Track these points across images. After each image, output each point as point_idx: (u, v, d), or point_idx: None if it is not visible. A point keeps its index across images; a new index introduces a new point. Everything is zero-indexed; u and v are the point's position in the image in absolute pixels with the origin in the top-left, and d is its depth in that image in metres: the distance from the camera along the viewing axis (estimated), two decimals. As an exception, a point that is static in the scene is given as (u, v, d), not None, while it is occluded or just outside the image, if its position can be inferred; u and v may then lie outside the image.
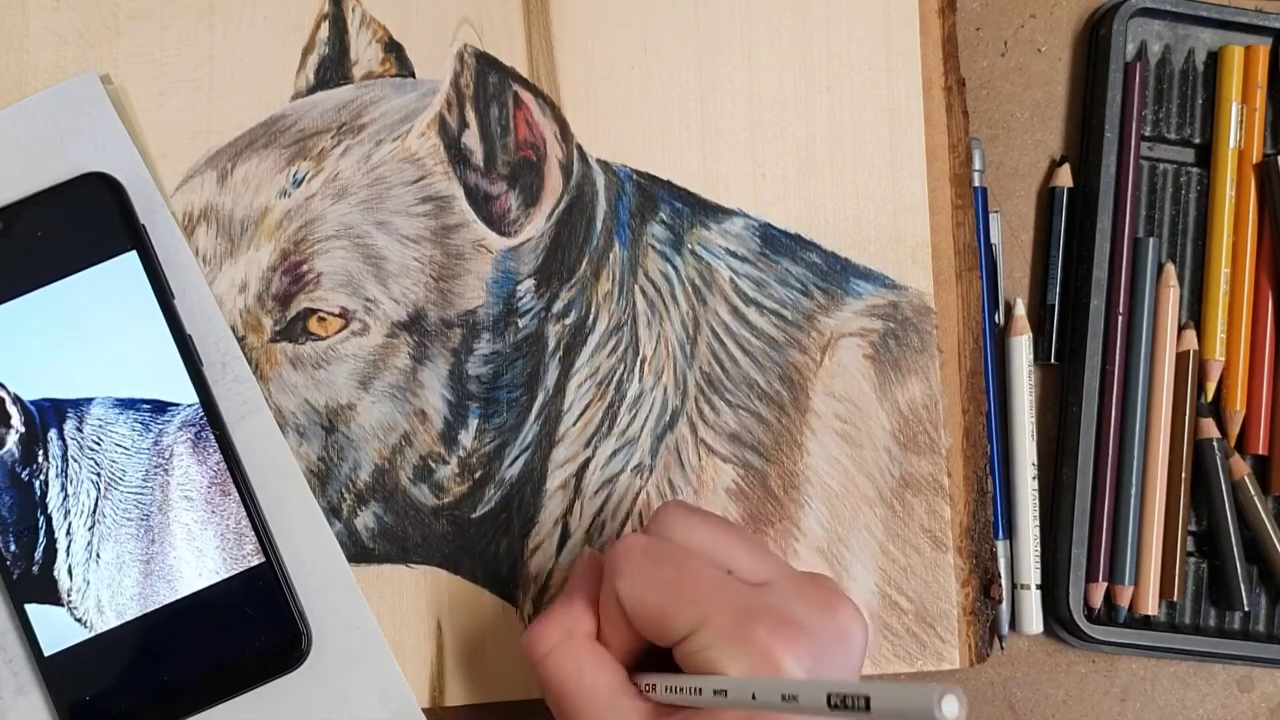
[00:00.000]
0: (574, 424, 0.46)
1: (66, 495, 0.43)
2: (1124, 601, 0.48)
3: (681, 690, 0.35)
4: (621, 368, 0.47)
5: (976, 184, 0.49)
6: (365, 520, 0.45)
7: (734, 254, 0.47)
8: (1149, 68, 0.51)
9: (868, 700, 0.28)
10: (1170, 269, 0.50)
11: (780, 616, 0.34)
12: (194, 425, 0.43)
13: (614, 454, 0.47)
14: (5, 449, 0.43)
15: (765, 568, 0.37)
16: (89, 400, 0.43)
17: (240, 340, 0.45)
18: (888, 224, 0.48)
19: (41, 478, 0.43)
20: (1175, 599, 0.48)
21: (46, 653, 0.42)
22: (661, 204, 0.47)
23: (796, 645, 0.34)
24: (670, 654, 0.36)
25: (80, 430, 0.43)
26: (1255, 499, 0.49)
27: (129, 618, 0.42)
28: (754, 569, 0.37)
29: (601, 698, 0.36)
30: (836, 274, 0.48)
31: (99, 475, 0.43)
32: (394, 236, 0.46)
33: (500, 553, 0.46)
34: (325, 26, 0.47)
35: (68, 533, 0.43)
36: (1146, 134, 0.50)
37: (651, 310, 0.47)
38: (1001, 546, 0.48)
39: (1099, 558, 0.48)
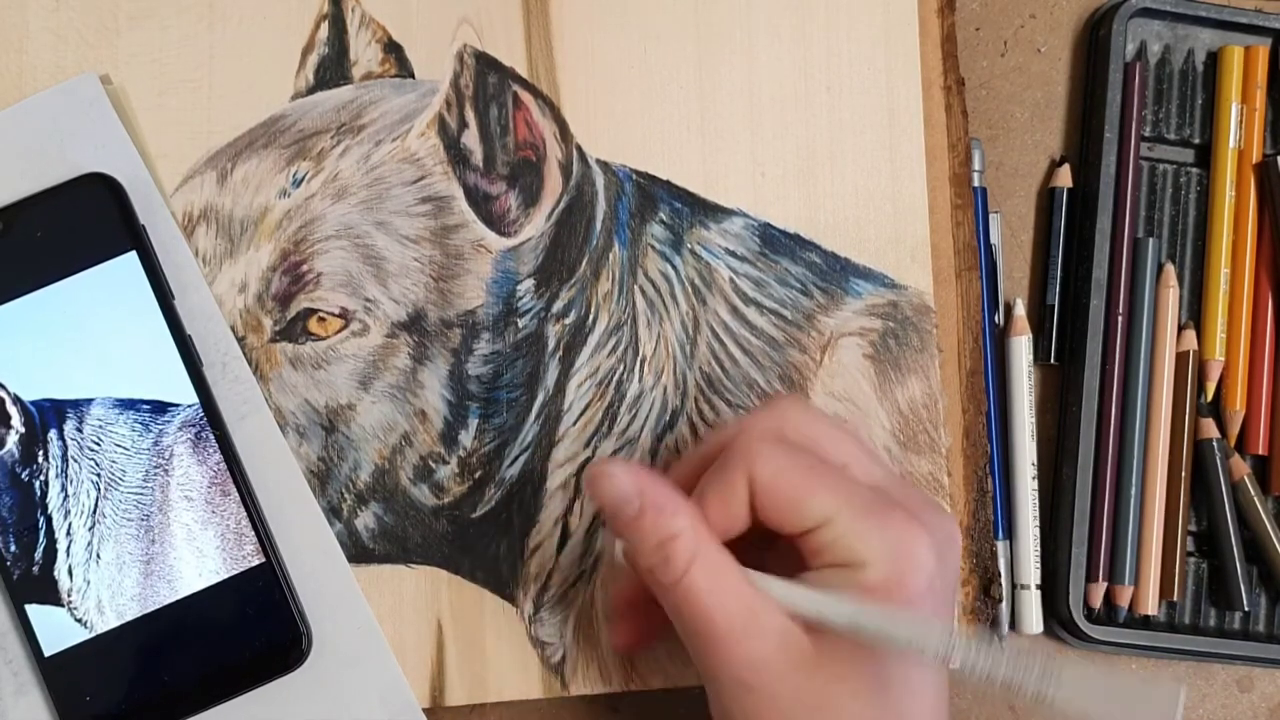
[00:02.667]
0: (574, 424, 0.46)
1: (66, 495, 0.43)
2: (1124, 601, 0.48)
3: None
4: (621, 368, 0.47)
5: (976, 184, 0.49)
6: (365, 520, 0.45)
7: (734, 254, 0.47)
8: (1149, 68, 0.51)
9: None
10: (1170, 269, 0.50)
11: (911, 509, 0.35)
12: (194, 425, 0.43)
13: (614, 454, 0.47)
14: (5, 449, 0.43)
15: (881, 471, 0.38)
16: (89, 400, 0.43)
17: (240, 340, 0.45)
18: (887, 223, 0.48)
19: (41, 478, 0.43)
20: (1175, 599, 0.48)
21: (47, 653, 0.42)
22: (661, 204, 0.47)
23: (928, 537, 0.34)
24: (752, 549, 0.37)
25: (80, 430, 0.43)
26: (1255, 499, 0.49)
27: (129, 618, 0.42)
28: (869, 470, 0.38)
29: (743, 625, 0.35)
30: (836, 273, 0.48)
31: (99, 475, 0.43)
32: (394, 236, 0.46)
33: (500, 553, 0.46)
34: (325, 27, 0.47)
35: (68, 533, 0.43)
36: (1146, 134, 0.50)
37: (651, 310, 0.47)
38: (1001, 546, 0.48)
39: (1099, 558, 0.48)
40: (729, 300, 0.47)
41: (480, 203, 0.46)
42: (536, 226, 0.47)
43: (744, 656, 0.35)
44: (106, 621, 0.42)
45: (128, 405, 0.43)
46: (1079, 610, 0.47)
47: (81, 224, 0.43)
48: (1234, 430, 0.50)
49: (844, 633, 0.34)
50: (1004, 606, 0.48)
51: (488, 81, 0.47)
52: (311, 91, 0.47)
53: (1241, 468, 0.49)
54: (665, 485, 0.37)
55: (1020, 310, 0.50)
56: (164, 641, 0.42)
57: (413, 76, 0.47)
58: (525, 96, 0.47)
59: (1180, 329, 0.49)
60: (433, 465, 0.46)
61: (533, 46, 0.47)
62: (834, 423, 0.39)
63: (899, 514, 0.35)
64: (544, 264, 0.47)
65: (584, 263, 0.47)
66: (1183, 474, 0.48)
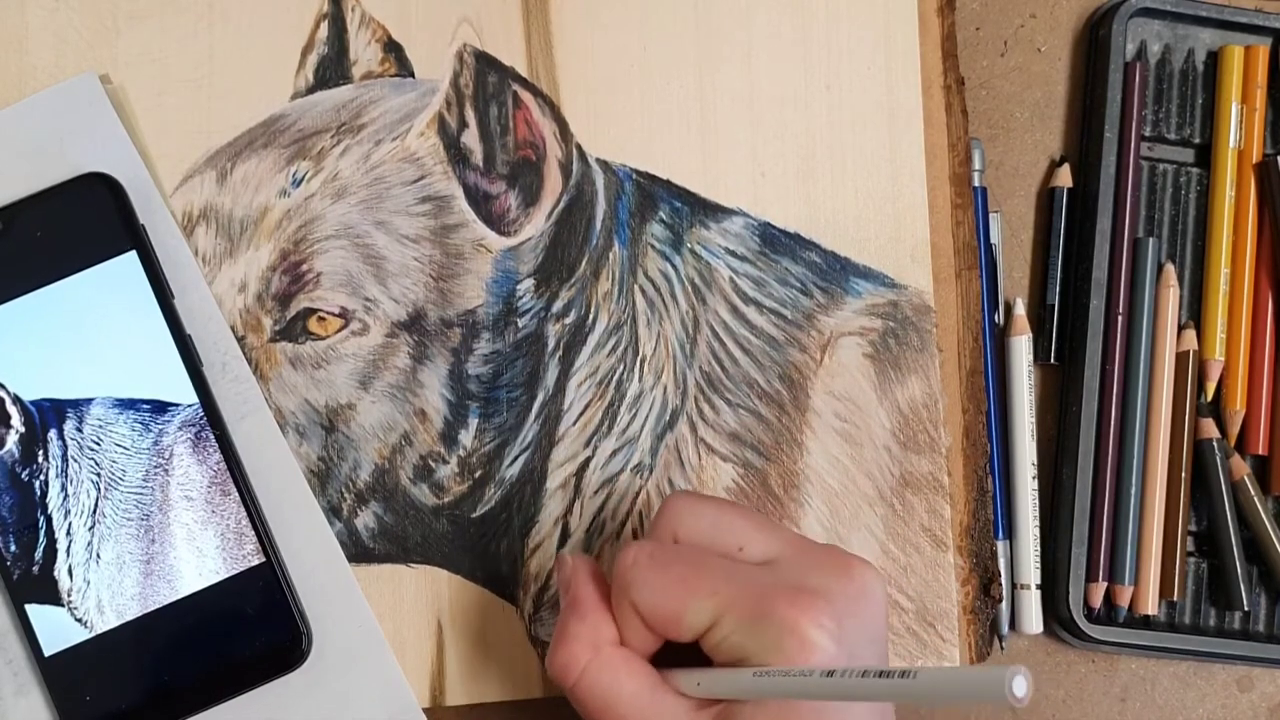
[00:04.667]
0: (574, 423, 0.46)
1: (66, 495, 0.43)
2: (1124, 601, 0.48)
3: (720, 681, 0.35)
4: (621, 367, 0.47)
5: (976, 184, 0.49)
6: (365, 520, 0.45)
7: (734, 253, 0.47)
8: (1149, 68, 0.51)
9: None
10: (1170, 269, 0.50)
11: (797, 588, 0.35)
12: (194, 425, 0.43)
13: (614, 453, 0.47)
14: (5, 449, 0.43)
15: (776, 543, 0.38)
16: (89, 400, 0.43)
17: (240, 340, 0.45)
18: (887, 223, 0.48)
19: (41, 478, 0.43)
20: (1175, 599, 0.48)
21: (47, 653, 0.42)
22: (661, 203, 0.47)
23: (818, 613, 0.34)
24: (686, 649, 0.37)
25: (80, 430, 0.43)
26: (1255, 499, 0.49)
27: (129, 618, 0.42)
28: (765, 545, 0.38)
29: (645, 702, 0.36)
30: (836, 273, 0.48)
31: (99, 475, 0.43)
32: (393, 236, 0.46)
33: (500, 552, 0.46)
34: (324, 26, 0.47)
35: (68, 533, 0.43)
36: (1146, 134, 0.50)
37: (651, 310, 0.47)
38: (1001, 546, 0.48)
39: (1099, 558, 0.48)
40: (729, 300, 0.47)
41: (480, 202, 0.46)
42: (536, 226, 0.47)
43: None
44: (106, 621, 0.42)
45: (128, 405, 0.43)
46: (1079, 610, 0.47)
47: (81, 224, 0.43)
48: (1234, 430, 0.50)
49: (751, 696, 0.35)
50: (1004, 606, 0.48)
51: (488, 81, 0.47)
52: (311, 91, 0.47)
53: (1241, 468, 0.49)
54: (587, 585, 0.38)
55: (1020, 310, 0.50)
56: (164, 641, 0.42)
57: (413, 76, 0.47)
58: (525, 96, 0.47)
59: (1180, 329, 0.49)
60: (433, 465, 0.46)
61: (533, 46, 0.47)
62: (722, 508, 0.39)
63: (782, 599, 0.34)
64: (544, 263, 0.47)
65: (584, 262, 0.47)
66: (1183, 474, 0.48)
